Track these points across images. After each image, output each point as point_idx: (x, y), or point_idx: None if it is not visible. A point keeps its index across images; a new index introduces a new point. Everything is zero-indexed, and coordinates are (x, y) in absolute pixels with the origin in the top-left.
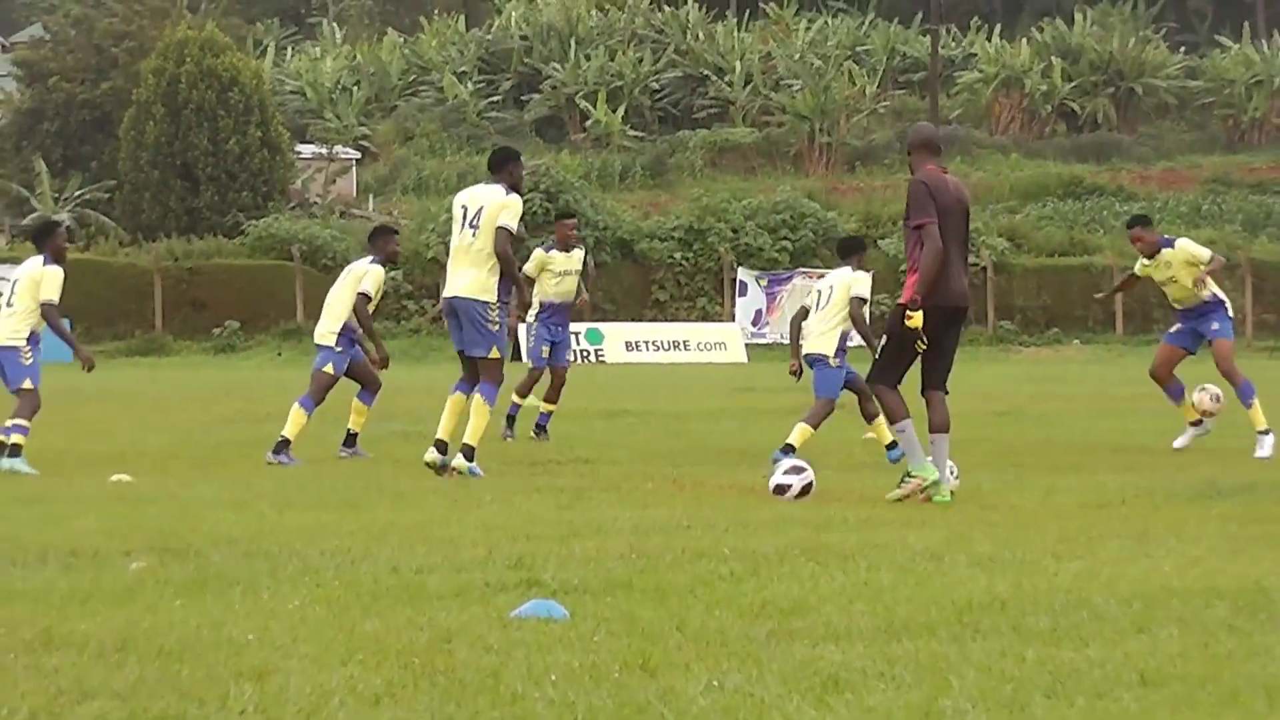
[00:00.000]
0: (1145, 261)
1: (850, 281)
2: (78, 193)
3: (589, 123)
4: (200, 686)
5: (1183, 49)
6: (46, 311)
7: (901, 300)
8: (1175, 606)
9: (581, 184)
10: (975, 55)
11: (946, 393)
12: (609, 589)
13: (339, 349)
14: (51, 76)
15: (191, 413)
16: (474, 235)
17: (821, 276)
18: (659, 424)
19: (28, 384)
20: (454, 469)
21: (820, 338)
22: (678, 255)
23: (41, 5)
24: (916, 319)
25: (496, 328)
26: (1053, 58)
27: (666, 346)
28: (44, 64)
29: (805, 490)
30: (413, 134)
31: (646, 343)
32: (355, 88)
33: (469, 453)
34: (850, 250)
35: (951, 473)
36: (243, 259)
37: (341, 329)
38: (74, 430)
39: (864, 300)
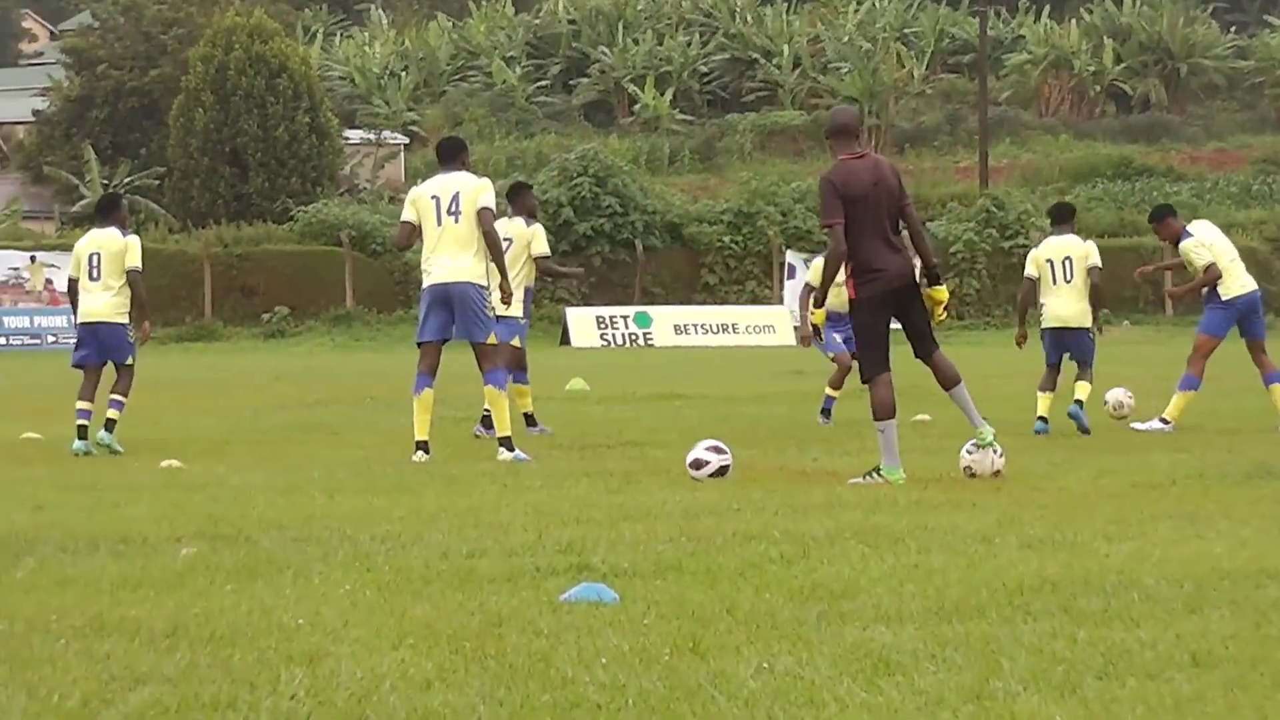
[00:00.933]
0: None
1: (1086, 251)
2: (127, 179)
3: (637, 107)
4: (251, 671)
5: (1232, 29)
6: (134, 279)
7: (851, 296)
8: (1227, 588)
9: (630, 168)
10: (1024, 37)
11: (938, 347)
12: (659, 572)
13: (524, 319)
14: (100, 64)
15: (241, 398)
16: (456, 221)
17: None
18: (708, 407)
19: (130, 360)
20: (501, 460)
21: (1083, 311)
22: (727, 239)
23: None
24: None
25: (492, 312)
26: (1102, 38)
27: (715, 330)
28: (93, 51)
29: (721, 471)
30: (461, 119)
31: (695, 326)
32: (403, 73)
33: (508, 442)
34: (1070, 215)
35: (996, 452)
36: (292, 245)
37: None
38: (125, 417)
39: (1100, 269)
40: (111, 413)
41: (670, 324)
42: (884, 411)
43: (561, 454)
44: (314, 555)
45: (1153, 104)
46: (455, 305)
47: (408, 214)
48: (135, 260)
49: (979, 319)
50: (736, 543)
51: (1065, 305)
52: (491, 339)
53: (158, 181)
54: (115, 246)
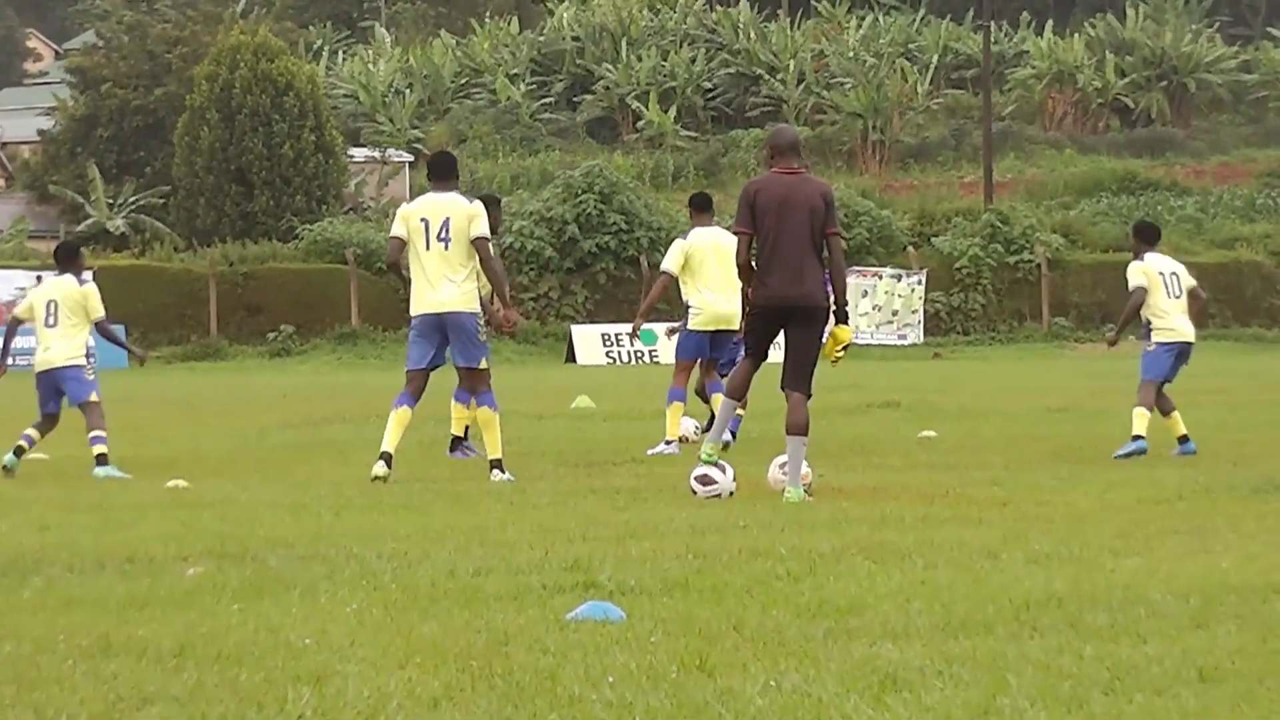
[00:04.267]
0: None
1: (1183, 270)
2: (132, 199)
3: (641, 123)
4: (258, 690)
5: (1237, 43)
6: (102, 328)
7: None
8: (1233, 602)
9: (635, 184)
10: (1028, 51)
11: (808, 395)
12: (666, 589)
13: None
14: (105, 83)
15: (248, 417)
16: (446, 249)
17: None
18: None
19: (93, 397)
20: (494, 481)
21: (1190, 322)
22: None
23: (95, 12)
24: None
25: (484, 338)
26: (1106, 52)
27: None
28: (97, 70)
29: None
30: (466, 136)
31: None
32: (408, 91)
33: (500, 464)
34: (1159, 234)
35: (805, 485)
36: (297, 263)
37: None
38: (130, 436)
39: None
40: (98, 449)
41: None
42: (730, 390)
43: (568, 471)
44: (321, 574)
45: (1156, 118)
46: (450, 333)
47: (398, 229)
48: (98, 310)
49: (984, 334)
50: (743, 560)
51: (1186, 321)
52: (484, 363)
53: (163, 200)
54: (73, 295)
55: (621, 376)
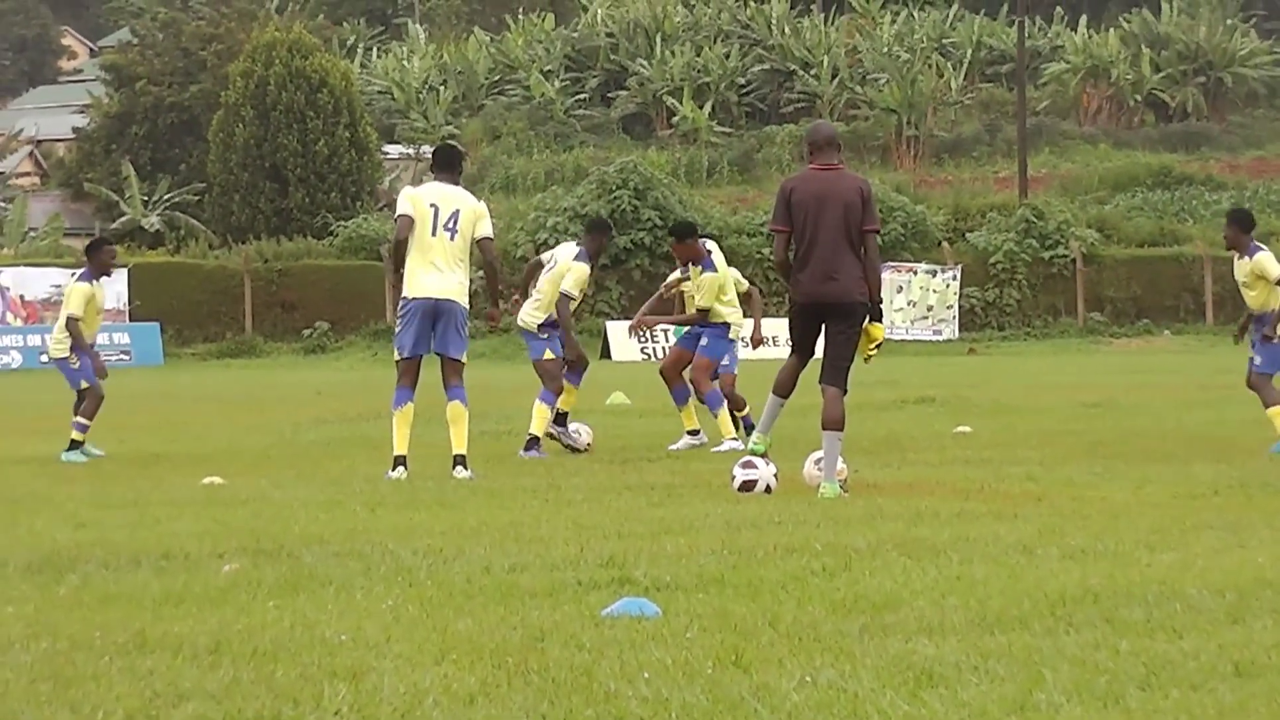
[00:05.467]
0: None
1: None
2: (167, 196)
3: (676, 119)
4: (294, 687)
5: (1272, 37)
6: (69, 325)
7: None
8: (1270, 598)
9: (669, 180)
10: (1062, 46)
11: (843, 392)
12: (701, 585)
13: (544, 335)
14: (139, 80)
15: (282, 414)
16: (451, 239)
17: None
18: (756, 417)
19: (84, 384)
20: (456, 479)
21: None
22: (766, 250)
23: (129, 9)
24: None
25: (467, 330)
26: (1141, 47)
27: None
28: (132, 68)
29: (754, 487)
30: (500, 133)
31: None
32: (442, 87)
33: (464, 460)
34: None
35: (840, 480)
36: (332, 260)
37: (546, 319)
38: (166, 433)
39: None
40: (75, 434)
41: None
42: (777, 386)
43: (603, 468)
44: (356, 570)
45: (1191, 113)
46: (441, 320)
47: (405, 208)
48: (68, 308)
49: (1019, 329)
50: (778, 555)
51: None
52: (465, 356)
53: (198, 197)
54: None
55: (657, 373)
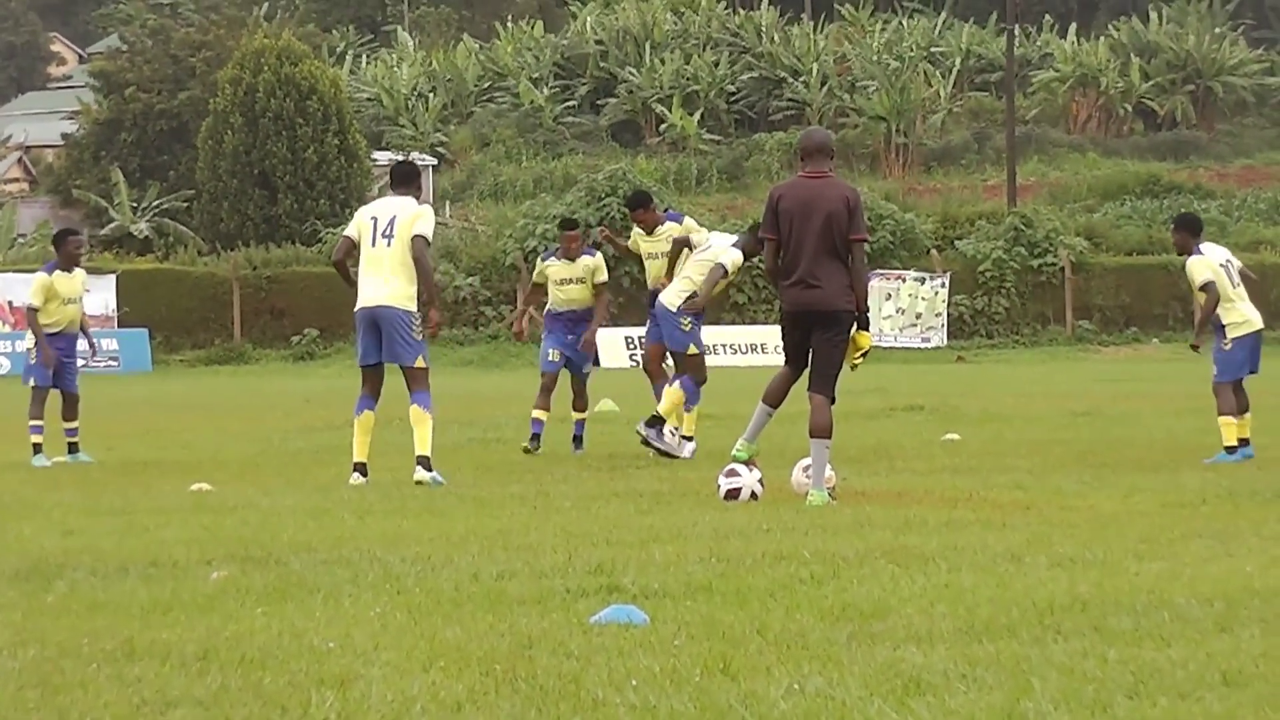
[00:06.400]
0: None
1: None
2: (155, 202)
3: (665, 127)
4: (282, 694)
5: (1261, 46)
6: (28, 315)
7: None
8: (1257, 606)
9: (658, 188)
10: (1051, 54)
11: (831, 400)
12: (689, 593)
13: (688, 327)
14: (128, 87)
15: (271, 421)
16: (388, 245)
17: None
18: (738, 427)
19: (33, 381)
20: (418, 482)
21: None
22: (755, 258)
23: (118, 16)
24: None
25: (420, 336)
26: (1130, 55)
27: (745, 350)
28: (121, 74)
29: (739, 495)
30: (489, 140)
31: (724, 346)
32: (431, 94)
33: (426, 463)
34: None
35: (828, 488)
36: (321, 266)
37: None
38: (154, 440)
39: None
40: (34, 437)
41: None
42: (767, 395)
43: (591, 475)
44: (344, 578)
45: (1180, 121)
46: (383, 327)
47: (350, 229)
48: (30, 298)
49: (1008, 337)
50: (767, 563)
51: (1253, 308)
52: (420, 362)
53: (186, 204)
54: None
55: (645, 380)
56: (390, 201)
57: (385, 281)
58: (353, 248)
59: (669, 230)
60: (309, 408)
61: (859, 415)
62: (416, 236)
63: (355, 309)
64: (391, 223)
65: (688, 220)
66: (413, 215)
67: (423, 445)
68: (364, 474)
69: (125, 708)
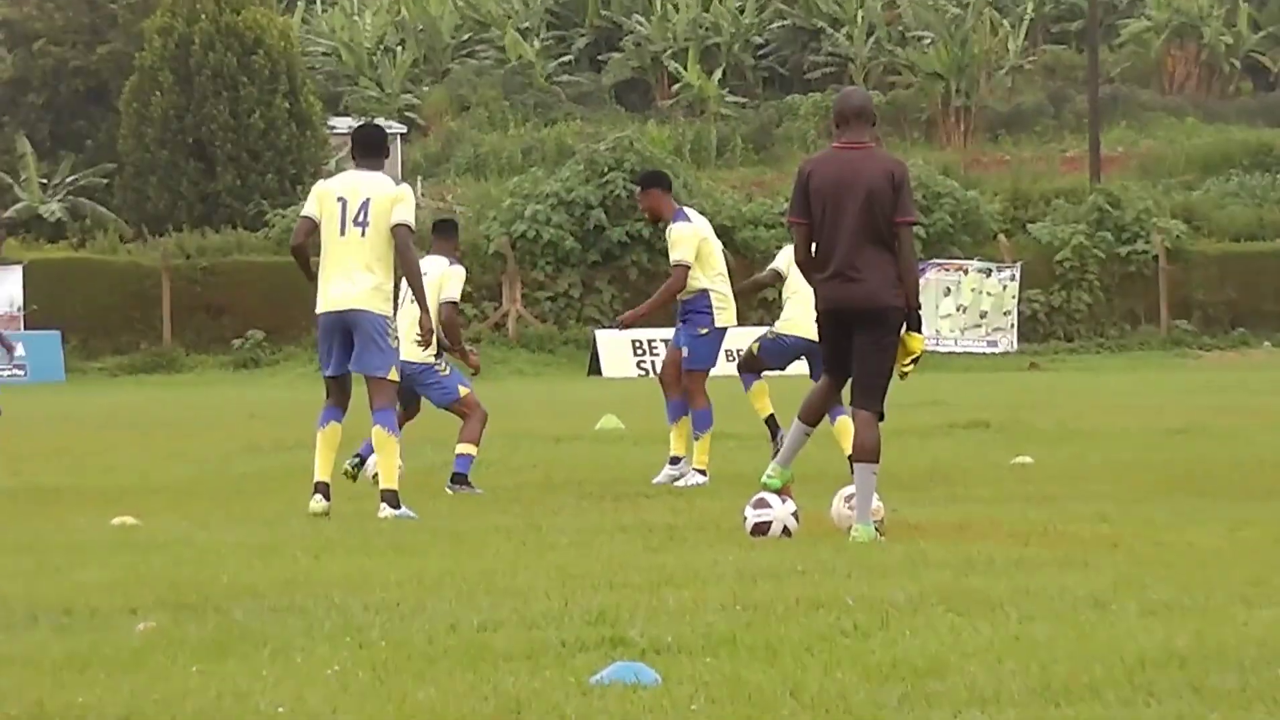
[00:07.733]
0: None
1: None
2: (70, 178)
3: (679, 87)
4: None
5: None
6: None
7: None
8: None
9: (672, 160)
10: (1143, 0)
11: (878, 416)
12: (708, 647)
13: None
14: (38, 39)
15: (209, 441)
16: (362, 235)
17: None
18: (765, 448)
19: None
20: (383, 519)
21: None
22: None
23: None
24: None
25: (395, 344)
26: (1237, 2)
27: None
28: (29, 24)
29: (769, 529)
30: (469, 103)
31: None
32: (399, 49)
33: (393, 498)
34: None
35: (876, 521)
36: (267, 255)
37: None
38: (68, 463)
39: None
40: None
41: (721, 348)
42: (803, 412)
43: (592, 505)
44: (296, 628)
45: None
46: (355, 333)
47: (310, 209)
48: None
49: (1090, 339)
50: (801, 611)
51: None
52: (393, 374)
53: (106, 180)
54: None
55: (654, 391)
56: (359, 177)
57: (355, 279)
58: (313, 229)
59: (672, 234)
60: (254, 424)
61: (913, 433)
62: (399, 226)
63: (317, 311)
64: (365, 206)
65: (688, 229)
66: (391, 198)
67: (388, 478)
68: (326, 496)
69: None
